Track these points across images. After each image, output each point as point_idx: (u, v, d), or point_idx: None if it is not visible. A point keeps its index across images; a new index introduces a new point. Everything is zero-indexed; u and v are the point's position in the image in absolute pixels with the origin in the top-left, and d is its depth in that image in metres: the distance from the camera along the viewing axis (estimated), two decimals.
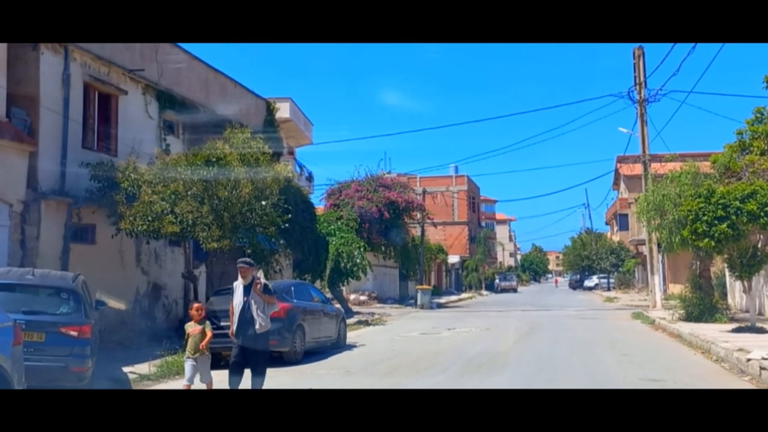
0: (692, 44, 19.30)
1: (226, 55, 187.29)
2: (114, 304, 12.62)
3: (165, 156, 14.31)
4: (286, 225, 14.34)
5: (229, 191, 12.41)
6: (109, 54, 14.49)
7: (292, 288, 13.31)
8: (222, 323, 11.86)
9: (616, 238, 60.23)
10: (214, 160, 12.65)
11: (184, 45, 17.44)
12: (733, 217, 13.40)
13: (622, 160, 44.53)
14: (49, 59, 12.93)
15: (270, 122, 22.36)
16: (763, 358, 9.55)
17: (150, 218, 12.37)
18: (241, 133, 14.05)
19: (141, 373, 10.38)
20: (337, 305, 20.50)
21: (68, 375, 7.85)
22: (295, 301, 12.81)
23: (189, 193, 12.62)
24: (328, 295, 28.84)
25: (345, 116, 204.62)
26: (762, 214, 13.24)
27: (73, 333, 7.99)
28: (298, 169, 31.83)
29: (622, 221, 56.63)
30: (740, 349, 10.98)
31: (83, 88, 13.91)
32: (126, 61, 15.04)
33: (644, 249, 44.35)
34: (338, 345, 14.38)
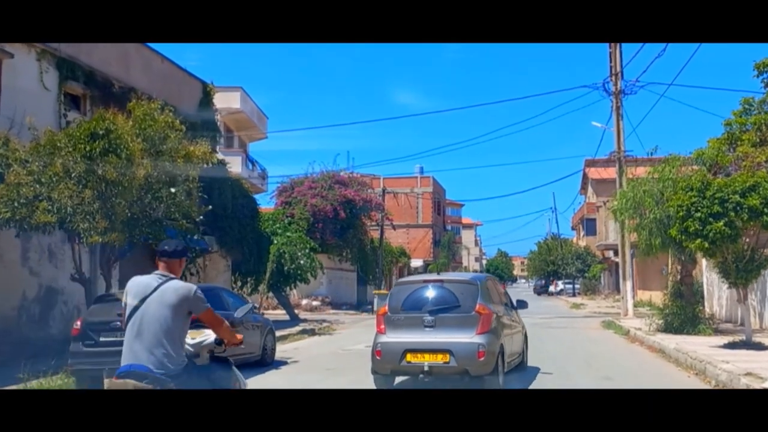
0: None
1: (225, 53, 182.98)
2: None
3: (53, 133, 11.70)
4: (201, 218, 11.89)
5: (120, 172, 9.86)
6: None
7: None
8: (101, 339, 9.37)
9: (582, 243, 59.14)
10: (101, 132, 10.06)
11: None
12: (732, 214, 11.34)
13: (590, 164, 42.96)
14: None
15: (206, 105, 19.83)
16: None
17: (16, 204, 9.73)
18: (150, 105, 11.55)
19: None
20: (268, 313, 18.09)
21: None
22: None
23: (73, 175, 10.08)
24: (273, 301, 26.41)
25: (353, 114, 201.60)
26: (766, 210, 11.22)
27: None
28: (249, 165, 29.42)
29: (589, 226, 55.50)
30: (748, 374, 8.90)
31: None
32: None
33: (611, 254, 43.15)
34: (263, 362, 11.92)
